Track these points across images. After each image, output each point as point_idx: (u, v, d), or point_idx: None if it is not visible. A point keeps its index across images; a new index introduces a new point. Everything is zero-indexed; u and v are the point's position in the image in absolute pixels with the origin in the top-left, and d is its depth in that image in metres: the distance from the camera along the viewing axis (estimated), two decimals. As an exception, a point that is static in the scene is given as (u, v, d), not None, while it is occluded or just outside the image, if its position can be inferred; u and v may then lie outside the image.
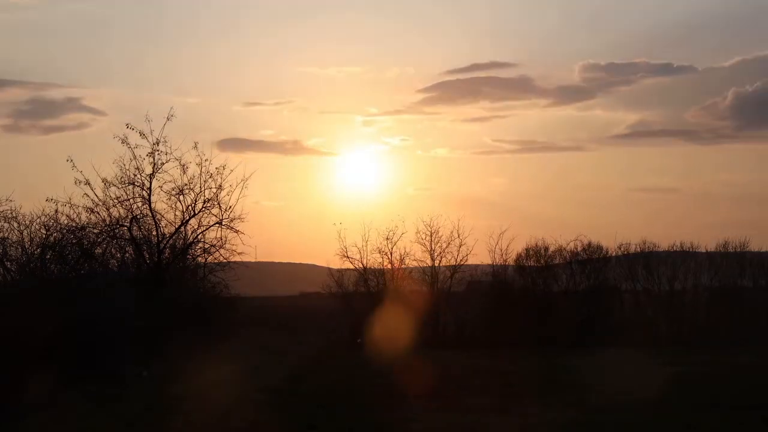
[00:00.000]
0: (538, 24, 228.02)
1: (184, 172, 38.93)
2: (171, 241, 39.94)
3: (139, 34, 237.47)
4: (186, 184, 39.14)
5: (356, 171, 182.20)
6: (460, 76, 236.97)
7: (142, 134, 37.97)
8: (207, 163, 39.07)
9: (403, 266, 59.79)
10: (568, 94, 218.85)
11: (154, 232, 39.50)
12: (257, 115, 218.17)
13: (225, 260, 40.53)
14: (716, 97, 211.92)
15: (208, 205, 39.49)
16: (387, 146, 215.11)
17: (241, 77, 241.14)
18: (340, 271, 60.41)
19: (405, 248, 59.50)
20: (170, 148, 38.47)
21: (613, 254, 62.70)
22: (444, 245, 59.75)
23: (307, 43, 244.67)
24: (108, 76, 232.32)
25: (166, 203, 39.35)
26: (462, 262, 60.22)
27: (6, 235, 35.89)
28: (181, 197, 39.22)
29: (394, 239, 58.91)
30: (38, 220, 36.29)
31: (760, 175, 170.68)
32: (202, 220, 39.79)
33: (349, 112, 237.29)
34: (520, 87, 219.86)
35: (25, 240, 36.07)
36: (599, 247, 62.23)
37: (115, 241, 39.05)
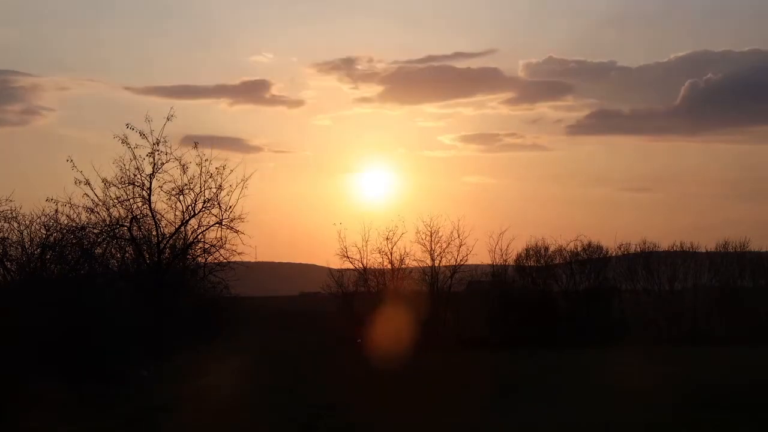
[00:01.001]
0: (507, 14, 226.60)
1: (184, 172, 38.92)
2: (171, 241, 39.90)
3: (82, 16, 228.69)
4: (186, 184, 39.14)
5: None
6: (418, 66, 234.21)
7: (142, 134, 37.98)
8: (207, 163, 39.07)
9: (403, 266, 59.83)
10: (524, 90, 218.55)
11: (154, 232, 39.47)
12: (199, 109, 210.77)
13: (225, 260, 40.47)
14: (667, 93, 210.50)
15: (208, 205, 39.47)
16: (341, 143, 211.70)
17: (185, 71, 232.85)
18: (340, 271, 60.44)
19: (405, 248, 59.55)
20: (170, 148, 38.48)
21: (613, 254, 62.78)
22: (444, 245, 59.79)
23: (253, 33, 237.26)
24: (48, 64, 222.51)
25: (166, 203, 39.31)
26: (462, 262, 60.27)
27: (6, 235, 35.91)
28: (181, 197, 39.21)
29: (394, 239, 58.97)
30: (38, 220, 36.30)
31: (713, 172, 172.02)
32: (202, 220, 39.75)
33: (296, 107, 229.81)
34: (477, 80, 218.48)
35: (25, 240, 36.08)
36: (599, 247, 62.33)
37: (115, 241, 39.02)
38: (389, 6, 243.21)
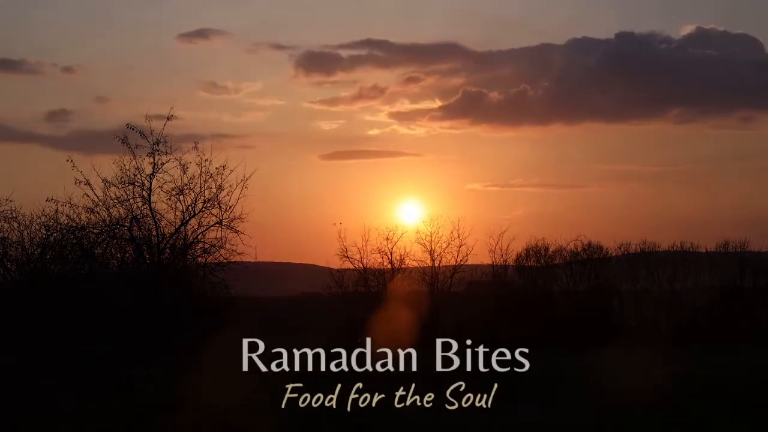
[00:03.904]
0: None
1: (184, 172, 38.95)
2: (171, 241, 39.90)
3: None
4: (186, 184, 39.16)
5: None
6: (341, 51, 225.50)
7: (142, 134, 38.02)
8: (207, 163, 39.10)
9: (403, 266, 59.82)
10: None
11: (154, 232, 39.47)
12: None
13: (225, 260, 40.48)
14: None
15: (208, 205, 39.48)
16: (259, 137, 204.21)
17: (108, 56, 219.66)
18: (340, 271, 60.42)
19: (405, 248, 59.54)
20: (170, 147, 38.52)
21: (613, 254, 62.81)
22: (444, 245, 59.79)
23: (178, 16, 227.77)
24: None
25: (166, 203, 39.32)
26: (462, 263, 60.20)
27: (6, 235, 35.98)
28: (181, 197, 39.22)
29: (394, 239, 58.98)
30: (38, 220, 36.38)
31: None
32: (202, 220, 39.75)
33: (221, 96, 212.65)
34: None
35: (25, 240, 36.15)
36: (599, 247, 62.35)
37: (115, 241, 39.03)
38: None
